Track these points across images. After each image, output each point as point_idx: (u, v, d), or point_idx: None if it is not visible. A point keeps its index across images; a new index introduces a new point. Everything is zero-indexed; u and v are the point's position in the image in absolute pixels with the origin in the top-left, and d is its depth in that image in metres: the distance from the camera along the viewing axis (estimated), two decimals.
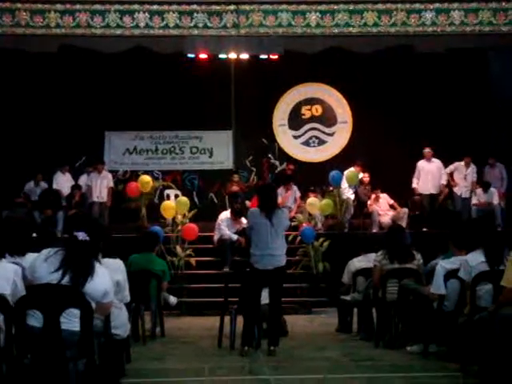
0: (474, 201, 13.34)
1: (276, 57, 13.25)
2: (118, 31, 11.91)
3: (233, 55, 13.55)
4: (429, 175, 13.72)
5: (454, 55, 13.89)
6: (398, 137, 15.28)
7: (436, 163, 13.73)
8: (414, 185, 13.75)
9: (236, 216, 11.69)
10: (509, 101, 14.90)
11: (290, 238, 11.12)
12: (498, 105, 15.31)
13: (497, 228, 11.47)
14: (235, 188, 13.72)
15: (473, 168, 13.83)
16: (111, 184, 14.09)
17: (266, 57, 13.45)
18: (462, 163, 13.69)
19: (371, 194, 13.39)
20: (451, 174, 13.91)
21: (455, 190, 13.78)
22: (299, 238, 11.83)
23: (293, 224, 10.94)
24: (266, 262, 7.27)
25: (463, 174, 13.75)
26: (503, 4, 12.16)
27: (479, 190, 13.38)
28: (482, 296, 5.93)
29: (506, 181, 13.83)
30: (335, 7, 12.09)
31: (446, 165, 13.94)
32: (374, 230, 12.84)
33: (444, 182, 13.84)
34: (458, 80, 15.35)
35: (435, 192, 13.78)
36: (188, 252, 11.69)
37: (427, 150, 13.69)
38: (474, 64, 15.27)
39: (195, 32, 12.05)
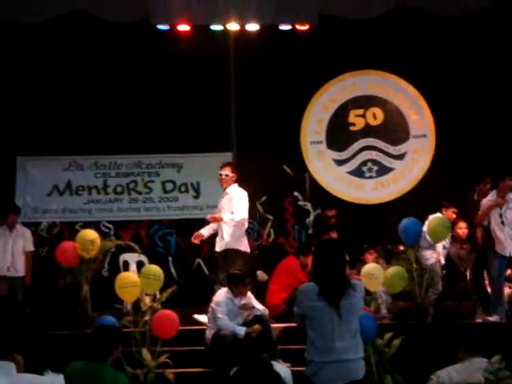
0: None
1: (306, 27, 12.04)
2: None
3: (234, 26, 11.94)
4: None
5: None
6: None
7: None
8: None
9: (237, 289, 9.82)
10: None
11: None
12: None
13: None
14: None
15: None
16: (30, 246, 11.56)
17: (289, 28, 12.00)
18: None
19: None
20: None
21: None
22: None
23: None
24: (333, 373, 5.82)
25: None
26: None
27: None
28: None
29: None
30: None
31: None
32: (479, 320, 10.55)
33: None
34: None
35: None
36: (162, 359, 9.70)
37: None
38: None
39: None
